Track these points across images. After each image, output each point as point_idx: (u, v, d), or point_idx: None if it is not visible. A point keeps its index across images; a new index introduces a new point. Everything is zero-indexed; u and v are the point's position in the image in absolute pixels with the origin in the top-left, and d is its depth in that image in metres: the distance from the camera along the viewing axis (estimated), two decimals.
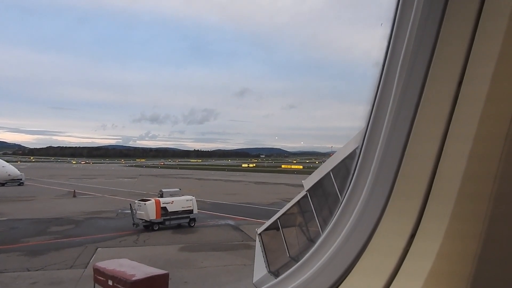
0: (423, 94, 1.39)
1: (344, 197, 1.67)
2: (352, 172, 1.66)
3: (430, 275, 1.28)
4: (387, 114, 1.47)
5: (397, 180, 1.44)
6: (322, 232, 1.72)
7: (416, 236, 1.37)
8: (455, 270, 1.28)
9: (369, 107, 1.60)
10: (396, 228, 1.42)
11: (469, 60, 1.29)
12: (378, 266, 1.43)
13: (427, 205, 1.36)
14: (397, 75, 1.44)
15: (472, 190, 1.26)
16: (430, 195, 1.35)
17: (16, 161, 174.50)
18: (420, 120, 1.39)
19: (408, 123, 1.41)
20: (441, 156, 1.33)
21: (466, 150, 1.26)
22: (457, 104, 1.31)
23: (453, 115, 1.32)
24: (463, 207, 1.27)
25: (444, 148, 1.33)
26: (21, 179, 64.03)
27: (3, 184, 61.20)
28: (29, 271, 19.25)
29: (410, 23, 1.40)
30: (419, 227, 1.37)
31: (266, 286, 1.73)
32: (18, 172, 52.62)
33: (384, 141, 1.48)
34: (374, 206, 1.49)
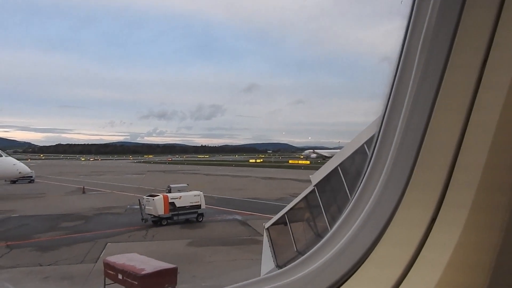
0: (443, 82, 1.35)
1: (359, 186, 1.65)
2: (368, 160, 1.64)
3: (449, 265, 1.26)
4: (405, 102, 1.44)
5: (415, 170, 1.42)
6: (330, 226, 1.70)
7: (434, 226, 1.35)
8: (475, 261, 1.26)
9: (386, 95, 1.57)
10: (414, 218, 1.40)
11: (492, 46, 1.27)
12: (393, 256, 1.41)
13: (446, 195, 1.34)
14: (415, 64, 1.41)
15: (493, 180, 1.24)
16: (449, 185, 1.33)
17: (27, 159, 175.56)
18: (439, 110, 1.36)
19: (427, 111, 1.38)
20: (461, 146, 1.31)
21: (487, 140, 1.24)
22: (478, 93, 1.28)
23: (474, 104, 1.29)
24: (483, 198, 1.25)
25: (464, 138, 1.30)
26: (31, 177, 64.75)
27: (14, 182, 61.90)
28: (41, 266, 19.58)
29: (428, 14, 1.37)
30: (437, 217, 1.35)
31: (270, 274, 1.70)
32: (29, 169, 52.95)
33: (401, 129, 1.45)
34: (391, 195, 1.47)
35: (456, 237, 1.27)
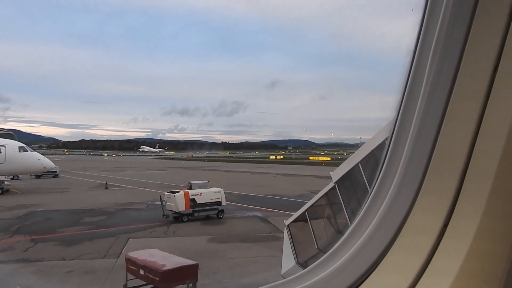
0: (454, 88, 1.34)
1: (372, 191, 1.64)
2: (380, 165, 1.63)
3: (460, 274, 1.24)
4: (417, 108, 1.43)
5: (426, 176, 1.41)
6: (350, 224, 1.69)
7: (445, 233, 1.34)
8: (486, 269, 1.24)
9: (398, 101, 1.55)
10: (425, 224, 1.39)
11: (503, 52, 1.23)
12: (405, 262, 1.40)
13: (457, 202, 1.32)
14: (427, 66, 1.40)
15: (505, 188, 1.22)
16: (461, 192, 1.31)
17: (51, 154, 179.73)
18: (451, 115, 1.35)
19: (439, 117, 1.37)
20: (473, 153, 1.29)
21: (499, 147, 1.22)
22: (489, 99, 1.26)
23: (486, 111, 1.27)
24: (495, 205, 1.23)
25: (475, 145, 1.29)
26: (55, 172, 66.17)
27: (39, 176, 63.56)
28: (64, 260, 19.96)
29: (442, 10, 1.35)
30: (449, 224, 1.33)
31: (293, 276, 1.71)
32: (53, 164, 54.16)
33: (413, 135, 1.44)
34: (403, 201, 1.46)
35: (468, 245, 1.25)
